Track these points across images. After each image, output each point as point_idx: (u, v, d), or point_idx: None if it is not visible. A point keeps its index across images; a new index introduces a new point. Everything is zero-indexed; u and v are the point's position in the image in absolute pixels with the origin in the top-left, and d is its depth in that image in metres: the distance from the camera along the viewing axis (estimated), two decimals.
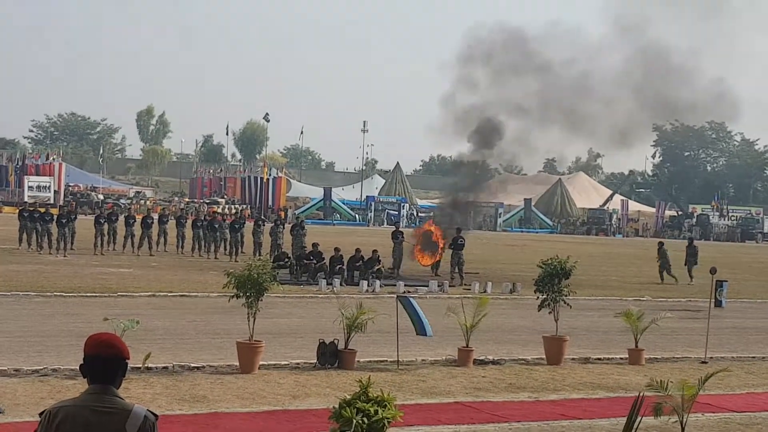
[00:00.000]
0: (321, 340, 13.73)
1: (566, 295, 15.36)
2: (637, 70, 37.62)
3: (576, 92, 36.64)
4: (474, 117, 35.85)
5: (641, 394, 7.73)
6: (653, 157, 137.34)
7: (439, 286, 25.96)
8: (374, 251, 27.71)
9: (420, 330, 14.15)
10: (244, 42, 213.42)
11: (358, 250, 27.62)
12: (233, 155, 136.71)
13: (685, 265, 33.38)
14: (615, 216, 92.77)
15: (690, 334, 18.90)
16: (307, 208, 79.24)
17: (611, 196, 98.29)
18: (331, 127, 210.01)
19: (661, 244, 34.31)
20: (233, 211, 63.60)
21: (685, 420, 9.32)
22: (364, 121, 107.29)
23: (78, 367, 4.06)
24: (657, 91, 38.11)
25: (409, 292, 23.26)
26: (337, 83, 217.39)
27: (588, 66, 37.04)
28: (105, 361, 3.96)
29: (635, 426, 7.41)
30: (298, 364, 13.63)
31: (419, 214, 79.68)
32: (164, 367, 12.71)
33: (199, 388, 11.70)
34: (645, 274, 35.64)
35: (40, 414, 4.00)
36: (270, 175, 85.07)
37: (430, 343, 15.64)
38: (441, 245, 31.56)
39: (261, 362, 13.13)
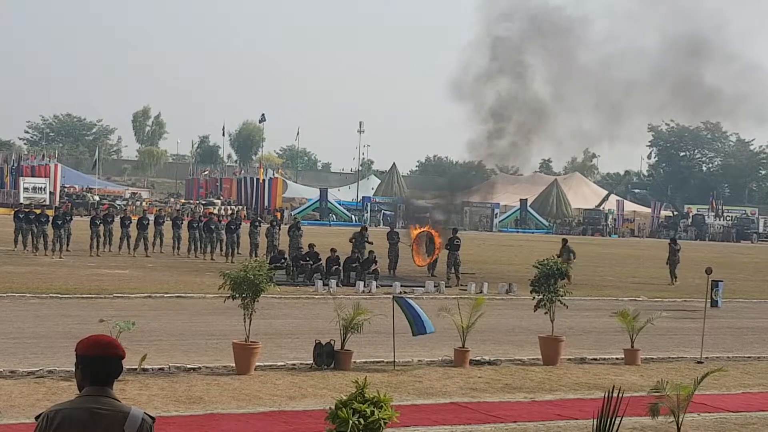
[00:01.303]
0: (317, 341, 13.72)
1: (562, 296, 15.38)
2: (670, 52, 37.01)
3: (604, 70, 36.19)
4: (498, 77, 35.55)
5: (618, 395, 7.68)
6: (649, 157, 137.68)
7: (435, 286, 25.97)
8: (371, 252, 27.73)
9: (419, 329, 14.10)
10: (240, 43, 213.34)
11: (354, 251, 27.63)
12: (229, 156, 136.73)
13: (667, 264, 33.20)
14: (611, 216, 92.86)
15: (686, 334, 18.94)
16: (304, 209, 79.22)
17: (607, 197, 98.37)
18: (327, 128, 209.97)
19: (564, 241, 33.65)
20: (229, 212, 63.52)
21: (681, 420, 9.33)
22: (360, 122, 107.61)
23: (74, 370, 4.06)
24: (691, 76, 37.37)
25: (405, 292, 23.28)
26: (333, 84, 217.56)
27: (619, 44, 36.67)
28: (102, 362, 3.96)
29: (615, 427, 7.37)
30: (294, 365, 13.63)
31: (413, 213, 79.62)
32: (160, 369, 12.70)
33: (196, 390, 11.70)
34: (641, 274, 35.70)
35: (36, 417, 3.99)
36: (266, 175, 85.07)
37: (427, 343, 15.65)
38: (437, 247, 31.52)
39: (257, 363, 13.12)
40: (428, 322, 14.12)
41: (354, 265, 27.01)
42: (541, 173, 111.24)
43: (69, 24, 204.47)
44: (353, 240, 30.05)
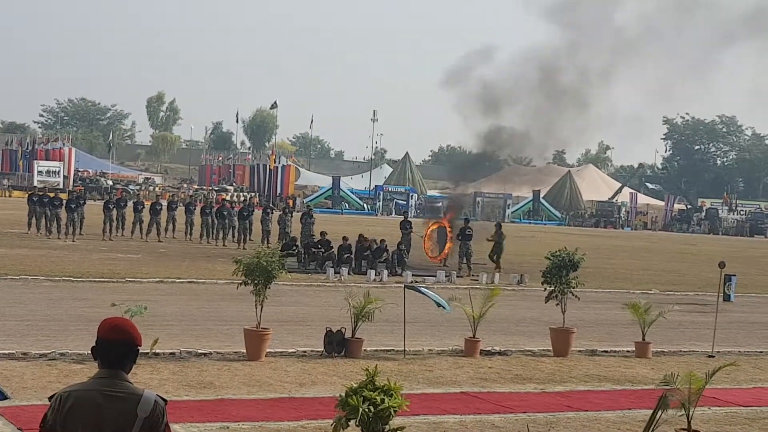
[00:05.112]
0: (328, 329, 13.74)
1: (574, 287, 15.34)
2: None
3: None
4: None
5: (666, 392, 7.75)
6: (663, 150, 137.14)
7: (446, 276, 25.96)
8: (382, 240, 27.73)
9: (442, 304, 14.06)
10: (255, 29, 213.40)
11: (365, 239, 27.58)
12: (242, 143, 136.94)
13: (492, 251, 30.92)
14: (624, 209, 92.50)
15: (697, 328, 18.89)
16: (316, 197, 79.26)
17: (620, 189, 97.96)
18: (340, 116, 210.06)
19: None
20: (242, 198, 63.65)
21: (691, 413, 9.31)
22: (374, 111, 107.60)
23: (90, 350, 4.08)
24: None
25: (416, 282, 23.27)
26: (347, 73, 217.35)
27: None
28: (116, 346, 3.97)
29: (656, 419, 7.44)
30: (305, 352, 13.66)
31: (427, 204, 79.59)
32: (171, 353, 12.75)
33: (206, 375, 11.74)
34: (653, 267, 35.59)
35: (50, 398, 4.01)
36: (279, 163, 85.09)
37: (437, 333, 15.67)
38: (449, 240, 31.36)
39: (268, 350, 13.16)
40: (445, 302, 14.11)
41: (366, 253, 27.01)
42: (554, 164, 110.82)
43: (85, 8, 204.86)
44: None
